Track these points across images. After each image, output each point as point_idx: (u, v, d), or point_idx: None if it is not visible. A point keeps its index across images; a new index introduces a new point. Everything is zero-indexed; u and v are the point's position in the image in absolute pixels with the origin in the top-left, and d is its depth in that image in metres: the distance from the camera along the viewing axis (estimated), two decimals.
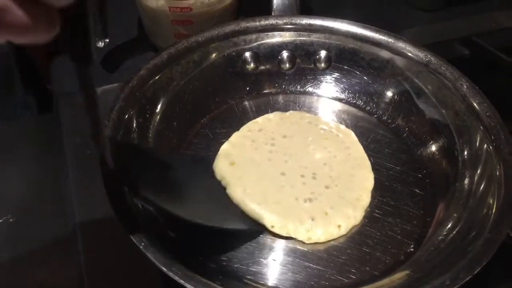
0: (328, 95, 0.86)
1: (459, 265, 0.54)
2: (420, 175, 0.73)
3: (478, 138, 0.69)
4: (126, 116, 0.67)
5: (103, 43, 0.77)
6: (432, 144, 0.76)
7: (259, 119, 0.79)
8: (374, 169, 0.73)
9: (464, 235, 0.60)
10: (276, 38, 0.84)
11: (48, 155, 0.73)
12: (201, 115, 0.78)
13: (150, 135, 0.71)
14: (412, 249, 0.64)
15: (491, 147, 0.67)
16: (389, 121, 0.81)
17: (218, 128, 0.78)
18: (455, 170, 0.70)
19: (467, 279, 0.52)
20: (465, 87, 0.74)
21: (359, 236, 0.65)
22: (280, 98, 0.85)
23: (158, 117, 0.74)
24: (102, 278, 0.59)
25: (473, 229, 0.59)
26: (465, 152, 0.70)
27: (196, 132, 0.77)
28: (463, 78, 0.75)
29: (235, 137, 0.74)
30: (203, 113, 0.80)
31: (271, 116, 0.80)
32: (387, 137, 0.79)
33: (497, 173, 0.64)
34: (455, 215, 0.64)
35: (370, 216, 0.66)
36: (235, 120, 0.78)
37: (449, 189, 0.68)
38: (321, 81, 0.86)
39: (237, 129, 0.75)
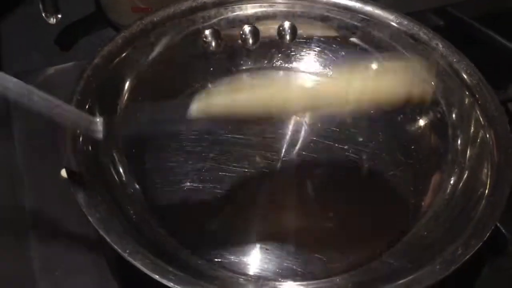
0: (299, 68, 0.81)
1: (467, 232, 0.52)
2: (405, 144, 0.71)
3: (462, 97, 0.67)
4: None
5: (55, 19, 0.70)
6: (417, 112, 0.73)
7: None
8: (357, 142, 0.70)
9: (464, 201, 0.58)
10: (237, 12, 0.78)
11: None
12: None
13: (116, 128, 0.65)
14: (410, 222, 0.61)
15: (476, 106, 0.64)
16: None
17: None
18: (444, 135, 0.67)
19: (479, 245, 0.50)
20: (441, 46, 0.71)
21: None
22: (245, 76, 0.80)
23: (121, 108, 0.67)
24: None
25: (473, 193, 0.57)
26: (453, 115, 0.68)
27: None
28: (437, 37, 0.72)
29: None
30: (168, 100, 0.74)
31: None
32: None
33: (487, 132, 0.62)
34: (451, 181, 0.62)
35: (358, 194, 0.65)
36: None
37: (440, 156, 0.66)
38: (289, 55, 0.81)
39: None
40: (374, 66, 0.77)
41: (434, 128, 0.70)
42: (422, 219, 0.60)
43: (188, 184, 0.64)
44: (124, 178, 0.61)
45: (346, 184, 0.67)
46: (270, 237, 0.59)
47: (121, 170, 0.61)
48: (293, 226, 0.60)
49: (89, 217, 0.49)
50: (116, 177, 0.59)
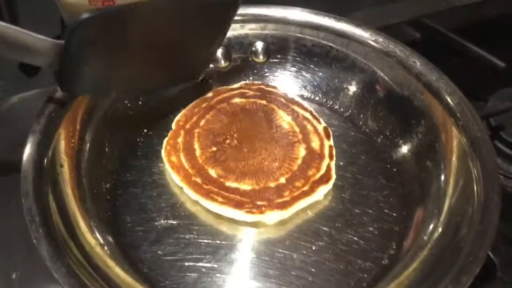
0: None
1: (456, 266, 0.49)
2: (391, 174, 0.68)
3: (444, 119, 0.64)
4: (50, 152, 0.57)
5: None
6: (404, 143, 0.70)
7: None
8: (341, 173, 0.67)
9: (452, 231, 0.55)
10: None
11: None
12: (137, 131, 0.71)
13: (83, 166, 0.61)
14: (394, 251, 0.58)
15: (458, 128, 0.62)
16: (354, 117, 0.75)
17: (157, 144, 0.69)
18: (428, 160, 0.65)
19: (470, 282, 0.47)
20: (418, 64, 0.69)
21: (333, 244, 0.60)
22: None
23: (89, 144, 0.64)
24: None
25: (459, 223, 0.54)
26: (435, 139, 0.65)
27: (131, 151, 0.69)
28: (414, 55, 0.70)
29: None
30: (138, 128, 0.71)
31: None
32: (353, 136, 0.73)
33: (471, 157, 0.59)
34: (435, 211, 0.59)
35: (344, 221, 0.62)
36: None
37: (424, 184, 0.64)
38: (263, 76, 0.78)
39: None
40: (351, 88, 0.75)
41: (416, 152, 0.67)
42: (408, 253, 0.57)
43: (162, 221, 0.60)
44: (92, 224, 0.56)
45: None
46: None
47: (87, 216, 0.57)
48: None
49: (54, 273, 0.46)
50: (82, 223, 0.55)
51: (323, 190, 0.63)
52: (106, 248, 0.55)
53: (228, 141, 0.67)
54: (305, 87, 0.77)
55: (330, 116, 0.75)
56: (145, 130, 0.71)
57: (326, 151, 0.67)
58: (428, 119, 0.66)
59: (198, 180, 0.62)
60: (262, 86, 0.75)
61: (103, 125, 0.66)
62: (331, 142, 0.68)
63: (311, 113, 0.72)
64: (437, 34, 0.93)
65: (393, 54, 0.71)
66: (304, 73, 0.77)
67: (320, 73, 0.76)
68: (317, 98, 0.77)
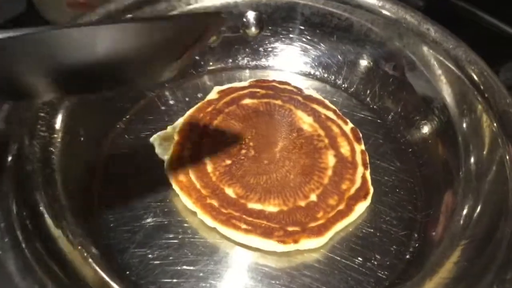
0: (270, 66, 0.69)
1: (498, 260, 0.42)
2: (407, 156, 0.61)
3: (465, 92, 0.56)
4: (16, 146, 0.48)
5: None
6: (421, 121, 0.62)
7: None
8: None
9: (490, 219, 0.48)
10: (192, 4, 0.64)
11: None
12: (116, 119, 0.61)
13: (55, 159, 0.51)
14: (417, 246, 0.52)
15: (485, 104, 0.54)
16: (360, 93, 0.67)
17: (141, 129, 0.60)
18: (450, 145, 0.57)
19: None
20: (433, 31, 0.60)
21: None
22: (206, 79, 0.67)
23: (60, 133, 0.53)
24: None
25: (498, 210, 0.47)
26: (460, 117, 0.56)
27: (112, 142, 0.59)
28: (427, 21, 0.61)
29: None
30: (117, 115, 0.61)
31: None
32: (361, 115, 0.65)
33: (500, 133, 0.51)
34: (469, 197, 0.51)
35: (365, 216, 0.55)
36: (159, 116, 0.62)
37: (449, 167, 0.56)
38: (256, 51, 0.69)
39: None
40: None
41: (435, 131, 0.59)
42: (439, 246, 0.49)
43: (151, 219, 0.52)
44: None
45: None
46: None
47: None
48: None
49: None
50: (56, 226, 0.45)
51: (361, 208, 0.54)
52: (86, 253, 0.46)
53: (243, 151, 0.57)
54: (303, 62, 0.68)
55: (333, 93, 0.66)
56: (127, 116, 0.60)
57: (359, 158, 0.57)
58: (447, 92, 0.58)
59: (214, 202, 0.52)
60: (274, 83, 0.65)
61: (76, 111, 0.55)
62: (363, 146, 0.59)
63: (334, 112, 0.62)
64: (441, 1, 0.83)
65: (403, 21, 0.62)
66: (301, 46, 0.68)
67: (321, 46, 0.68)
68: (317, 73, 0.68)
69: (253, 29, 0.67)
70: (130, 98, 0.62)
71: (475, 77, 0.56)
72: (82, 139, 0.55)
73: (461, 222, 0.50)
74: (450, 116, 0.58)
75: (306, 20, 0.66)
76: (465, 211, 0.51)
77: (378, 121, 0.63)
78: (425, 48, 0.60)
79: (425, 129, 0.61)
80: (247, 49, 0.68)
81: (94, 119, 0.58)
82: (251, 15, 0.66)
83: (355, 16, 0.64)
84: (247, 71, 0.68)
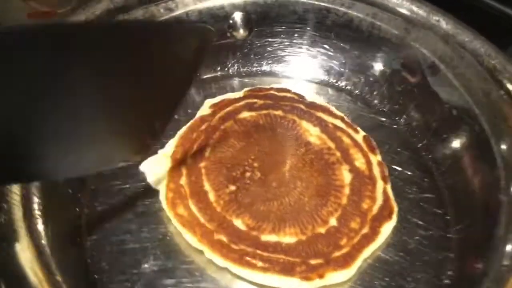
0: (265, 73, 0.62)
1: None
2: (426, 164, 0.55)
3: (487, 90, 0.51)
4: None
5: None
6: (432, 118, 0.56)
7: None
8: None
9: None
10: (173, 10, 0.57)
11: None
12: None
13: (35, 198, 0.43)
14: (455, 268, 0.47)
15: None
16: (365, 96, 0.61)
17: None
18: (477, 150, 0.51)
19: None
20: (444, 23, 0.55)
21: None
22: (194, 91, 0.60)
23: None
24: None
25: None
26: (480, 124, 0.50)
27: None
28: (437, 12, 0.56)
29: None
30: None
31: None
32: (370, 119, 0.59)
33: None
34: None
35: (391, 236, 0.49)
36: None
37: (480, 173, 0.50)
38: (247, 55, 0.62)
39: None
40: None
41: (472, 145, 0.53)
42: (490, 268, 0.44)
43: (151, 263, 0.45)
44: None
45: None
46: None
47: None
48: None
49: None
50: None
51: (387, 229, 0.48)
52: None
53: (248, 173, 0.50)
54: (300, 65, 0.62)
55: (337, 96, 0.60)
56: None
57: (376, 171, 0.51)
58: (465, 91, 0.52)
59: (223, 238, 0.45)
60: (272, 91, 0.58)
61: None
62: (379, 157, 0.53)
63: (342, 119, 0.56)
64: None
65: (409, 13, 0.56)
66: (297, 47, 0.62)
67: (318, 45, 0.61)
68: (317, 76, 0.62)
69: (241, 31, 0.60)
70: None
71: (498, 72, 0.52)
72: None
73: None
74: (467, 116, 0.52)
75: (299, 18, 0.60)
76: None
77: (392, 126, 0.57)
78: (437, 42, 0.54)
79: (441, 132, 0.56)
80: (236, 54, 0.61)
81: None
82: (238, 16, 0.59)
83: (354, 10, 0.58)
84: (238, 79, 0.61)
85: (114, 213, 0.48)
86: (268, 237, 0.46)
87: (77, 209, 0.47)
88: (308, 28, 0.60)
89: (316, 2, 0.59)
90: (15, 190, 0.41)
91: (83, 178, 0.49)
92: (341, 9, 0.58)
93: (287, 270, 0.44)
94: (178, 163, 0.50)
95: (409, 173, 0.53)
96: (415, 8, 0.56)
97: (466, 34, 0.53)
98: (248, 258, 0.44)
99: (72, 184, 0.48)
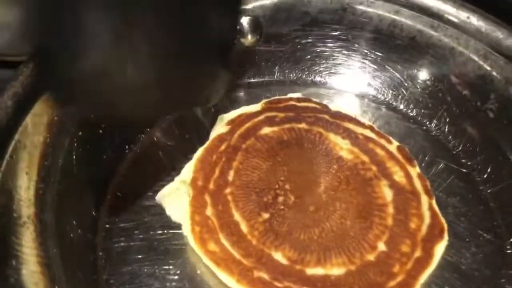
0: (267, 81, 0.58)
1: None
2: (474, 174, 0.51)
3: None
4: None
5: None
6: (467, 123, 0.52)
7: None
8: None
9: None
10: None
11: None
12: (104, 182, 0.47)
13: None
14: None
15: None
16: (390, 99, 0.57)
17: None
18: None
19: None
20: (474, 19, 0.51)
21: None
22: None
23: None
24: None
25: None
26: None
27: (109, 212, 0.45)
28: (466, 7, 0.52)
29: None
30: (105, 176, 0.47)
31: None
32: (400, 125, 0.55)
33: None
34: None
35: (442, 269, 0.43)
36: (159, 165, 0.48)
37: None
38: (257, 63, 0.57)
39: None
40: None
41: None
42: None
43: None
44: None
45: None
46: None
47: None
48: None
49: None
50: None
51: (440, 250, 0.43)
52: None
53: (281, 198, 0.45)
54: (314, 71, 0.57)
55: (359, 103, 0.56)
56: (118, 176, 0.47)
57: (418, 185, 0.47)
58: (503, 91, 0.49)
59: (264, 275, 0.40)
60: (292, 102, 0.53)
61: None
62: (418, 169, 0.48)
63: (371, 129, 0.51)
64: None
65: (435, 10, 0.52)
66: (310, 50, 0.57)
67: (332, 48, 0.57)
68: (331, 82, 0.58)
69: (249, 37, 0.54)
70: (117, 146, 0.47)
71: None
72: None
73: None
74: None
75: (313, 20, 0.54)
76: None
77: (424, 131, 0.53)
78: (469, 41, 0.50)
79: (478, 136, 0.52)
80: (245, 63, 0.55)
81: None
82: (244, 21, 0.53)
83: (373, 8, 0.53)
84: (249, 89, 0.55)
85: (133, 255, 0.42)
86: (314, 270, 0.40)
87: (92, 255, 0.41)
88: (323, 29, 0.55)
89: (332, 3, 0.54)
90: (24, 241, 0.34)
91: (95, 216, 0.43)
92: (359, 7, 0.54)
93: None
94: (200, 191, 0.44)
95: (450, 183, 0.49)
96: (441, 5, 0.52)
97: (501, 31, 0.49)
98: None
99: (83, 223, 0.41)
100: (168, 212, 0.44)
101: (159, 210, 0.44)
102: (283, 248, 0.41)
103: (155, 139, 0.50)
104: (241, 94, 0.55)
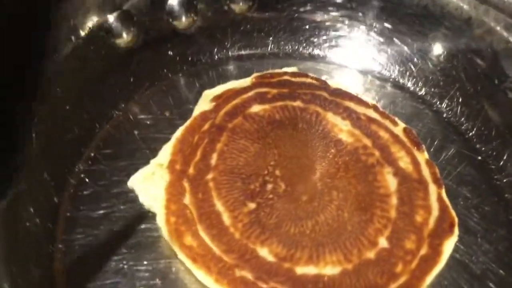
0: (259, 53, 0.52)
1: None
2: (490, 162, 0.46)
3: None
4: None
5: None
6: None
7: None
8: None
9: None
10: None
11: None
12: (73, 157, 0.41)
13: None
14: None
15: None
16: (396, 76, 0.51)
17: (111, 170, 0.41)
18: None
19: None
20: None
21: None
22: (187, 80, 0.49)
23: None
24: None
25: None
26: None
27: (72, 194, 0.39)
28: None
29: None
30: (74, 152, 0.41)
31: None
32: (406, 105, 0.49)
33: None
34: None
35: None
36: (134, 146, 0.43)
37: None
38: (249, 34, 0.51)
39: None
40: None
41: None
42: None
43: None
44: None
45: None
46: None
47: None
48: None
49: None
50: None
51: (449, 247, 0.38)
52: None
53: (269, 185, 0.39)
54: (312, 43, 0.52)
55: (362, 80, 0.50)
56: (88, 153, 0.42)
57: (426, 173, 0.41)
58: None
59: (247, 274, 0.35)
60: (287, 77, 0.47)
61: None
62: (426, 155, 0.43)
63: (375, 108, 0.45)
64: None
65: None
66: (309, 20, 0.52)
67: (334, 18, 0.51)
68: (337, 56, 0.52)
69: (241, 4, 0.48)
70: (85, 123, 0.42)
71: None
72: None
73: None
74: None
75: None
76: None
77: (432, 112, 0.47)
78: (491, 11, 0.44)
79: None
80: (236, 33, 0.49)
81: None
82: None
83: None
84: (240, 63, 0.49)
85: (98, 248, 0.36)
86: (305, 269, 0.35)
87: (50, 246, 0.36)
88: None
89: None
90: None
91: (56, 202, 0.37)
92: None
93: None
94: (178, 176, 0.39)
95: (461, 171, 0.43)
96: None
97: None
98: None
99: (41, 213, 0.36)
100: (141, 199, 0.39)
101: (131, 198, 0.39)
102: (270, 243, 0.36)
103: (130, 116, 0.44)
104: (230, 67, 0.49)
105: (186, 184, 0.39)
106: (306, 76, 0.47)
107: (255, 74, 0.46)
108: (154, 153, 0.41)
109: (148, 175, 0.40)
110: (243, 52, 0.50)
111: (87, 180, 0.40)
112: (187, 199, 0.38)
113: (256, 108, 0.44)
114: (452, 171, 0.44)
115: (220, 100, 0.44)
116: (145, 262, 0.36)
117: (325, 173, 0.40)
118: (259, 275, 0.35)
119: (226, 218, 0.37)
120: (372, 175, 0.41)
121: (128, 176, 0.40)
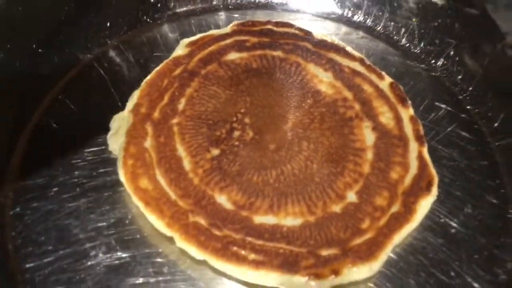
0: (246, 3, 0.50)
1: None
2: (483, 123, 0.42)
3: None
4: None
5: None
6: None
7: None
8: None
9: None
10: None
11: None
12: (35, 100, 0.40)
13: None
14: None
15: None
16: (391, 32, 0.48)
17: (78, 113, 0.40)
18: None
19: None
20: None
21: None
22: (167, 28, 0.47)
23: None
24: None
25: None
26: None
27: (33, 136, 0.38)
28: None
29: None
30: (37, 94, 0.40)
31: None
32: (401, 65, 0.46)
33: None
34: None
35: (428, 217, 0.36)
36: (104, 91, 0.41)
37: None
38: None
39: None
40: None
41: None
42: None
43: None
44: None
45: None
46: None
47: None
48: None
49: None
50: None
51: (425, 206, 0.35)
52: None
53: (236, 132, 0.37)
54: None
55: (354, 35, 0.48)
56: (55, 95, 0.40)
57: (409, 130, 0.39)
58: None
59: (201, 220, 0.33)
60: (269, 26, 0.44)
61: None
62: (412, 111, 0.40)
63: (361, 61, 0.43)
64: None
65: None
66: None
67: None
68: (330, 10, 0.50)
69: None
70: (55, 66, 0.41)
71: None
72: None
73: None
74: None
75: None
76: None
77: (426, 71, 0.44)
78: None
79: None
80: None
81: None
82: None
83: None
84: (225, 13, 0.47)
85: (53, 189, 0.35)
86: (264, 219, 0.33)
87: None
88: None
89: None
90: None
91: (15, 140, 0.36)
92: None
93: (289, 264, 0.31)
94: (142, 119, 0.37)
95: (450, 132, 0.40)
96: None
97: None
98: (235, 248, 0.32)
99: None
100: (111, 146, 0.37)
101: (99, 142, 0.38)
102: (230, 190, 0.34)
103: (103, 61, 0.43)
104: (215, 17, 0.47)
105: (149, 128, 0.37)
106: (291, 26, 0.45)
107: (235, 22, 0.44)
108: (125, 97, 0.39)
109: (121, 120, 0.38)
110: (228, 1, 0.48)
111: (51, 121, 0.38)
112: (148, 143, 0.36)
113: (232, 56, 0.42)
114: (441, 131, 0.41)
115: (195, 46, 0.42)
116: (100, 206, 0.35)
117: (297, 123, 0.38)
118: (213, 222, 0.33)
119: (187, 163, 0.36)
120: (349, 128, 0.38)
121: (97, 120, 0.38)
